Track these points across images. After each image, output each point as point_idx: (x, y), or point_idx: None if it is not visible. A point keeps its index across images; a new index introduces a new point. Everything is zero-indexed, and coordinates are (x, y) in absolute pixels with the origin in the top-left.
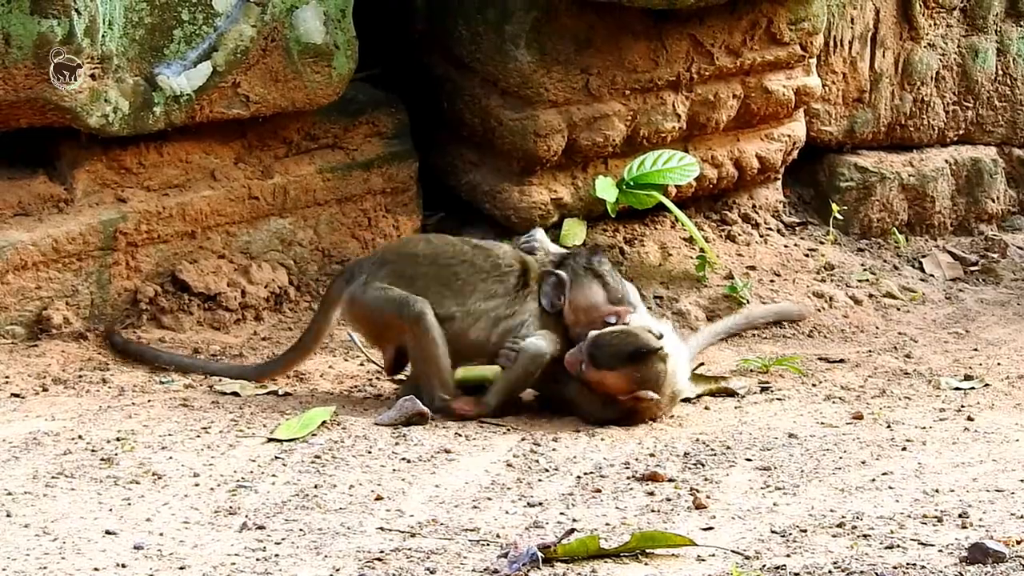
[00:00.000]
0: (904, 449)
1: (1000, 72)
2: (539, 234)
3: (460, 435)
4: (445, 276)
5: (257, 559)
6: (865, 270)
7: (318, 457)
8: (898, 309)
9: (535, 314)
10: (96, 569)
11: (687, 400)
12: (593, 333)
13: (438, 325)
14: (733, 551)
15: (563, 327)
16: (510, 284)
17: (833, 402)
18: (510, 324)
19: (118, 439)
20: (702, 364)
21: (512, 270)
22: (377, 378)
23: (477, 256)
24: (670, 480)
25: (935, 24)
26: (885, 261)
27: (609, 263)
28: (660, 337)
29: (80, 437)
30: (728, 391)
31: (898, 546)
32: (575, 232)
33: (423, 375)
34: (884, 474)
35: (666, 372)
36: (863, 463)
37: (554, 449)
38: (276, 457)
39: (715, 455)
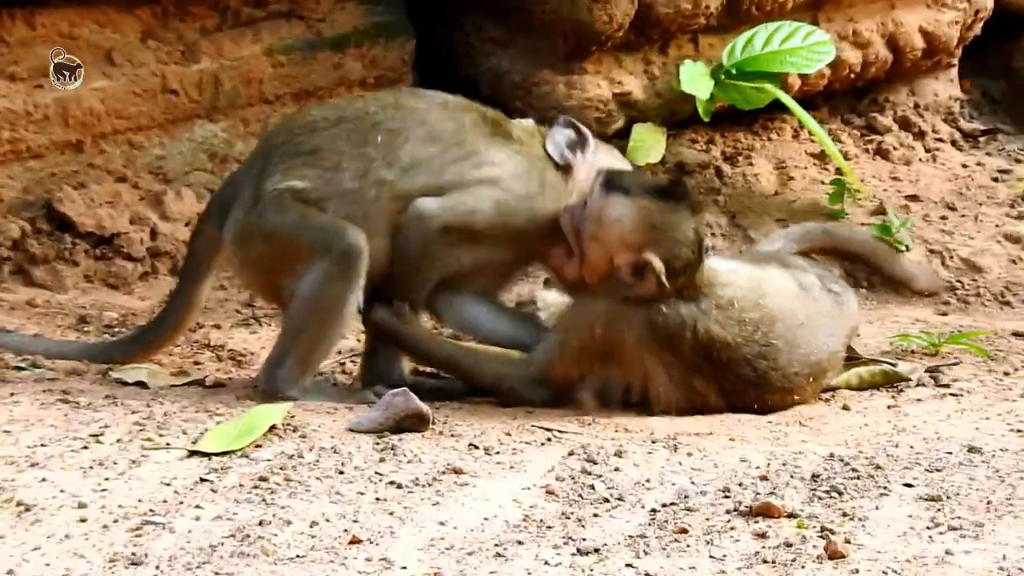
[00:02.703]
0: None
1: None
2: None
3: (477, 447)
4: (363, 130)
5: None
6: None
7: (264, 479)
8: None
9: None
10: None
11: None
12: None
13: (366, 268)
14: None
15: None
16: (465, 121)
17: None
18: (459, 157)
19: None
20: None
21: (470, 110)
22: (352, 361)
23: (405, 98)
24: (791, 515)
25: None
26: None
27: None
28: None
29: None
30: (896, 377)
31: None
32: (649, 144)
33: (299, 340)
34: None
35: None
36: None
37: (617, 468)
38: (202, 479)
39: (858, 478)
